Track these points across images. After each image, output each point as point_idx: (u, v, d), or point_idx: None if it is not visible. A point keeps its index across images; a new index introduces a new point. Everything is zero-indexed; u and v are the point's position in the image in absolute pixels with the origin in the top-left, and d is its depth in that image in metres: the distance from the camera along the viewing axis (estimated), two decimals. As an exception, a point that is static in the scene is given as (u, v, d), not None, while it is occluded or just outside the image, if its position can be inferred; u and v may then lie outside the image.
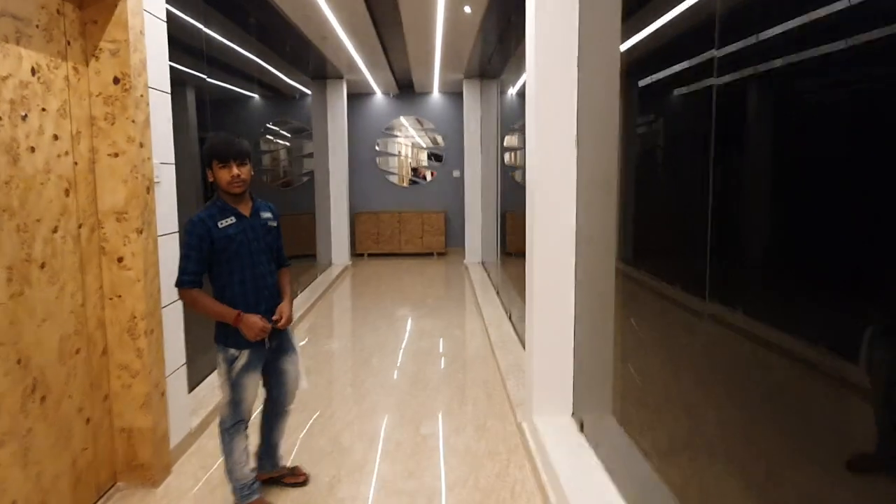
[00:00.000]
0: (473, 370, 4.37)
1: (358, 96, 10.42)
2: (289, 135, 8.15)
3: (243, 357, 2.34)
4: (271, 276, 2.44)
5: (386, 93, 10.45)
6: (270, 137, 7.71)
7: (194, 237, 2.22)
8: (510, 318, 5.57)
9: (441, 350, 4.92)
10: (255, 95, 6.96)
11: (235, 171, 2.25)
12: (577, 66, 2.81)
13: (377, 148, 10.56)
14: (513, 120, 9.59)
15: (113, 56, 2.49)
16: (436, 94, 10.53)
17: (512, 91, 8.81)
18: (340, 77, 8.70)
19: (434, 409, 3.64)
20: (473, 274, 8.08)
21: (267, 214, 2.47)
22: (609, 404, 2.78)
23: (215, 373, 2.82)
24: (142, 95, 2.59)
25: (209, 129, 4.85)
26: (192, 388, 3.54)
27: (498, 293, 6.70)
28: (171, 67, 2.91)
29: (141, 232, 2.57)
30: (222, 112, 5.75)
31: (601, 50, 2.68)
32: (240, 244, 2.30)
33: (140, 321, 2.61)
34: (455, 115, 10.48)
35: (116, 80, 2.50)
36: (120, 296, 2.59)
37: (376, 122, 10.54)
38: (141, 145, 2.58)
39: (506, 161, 9.21)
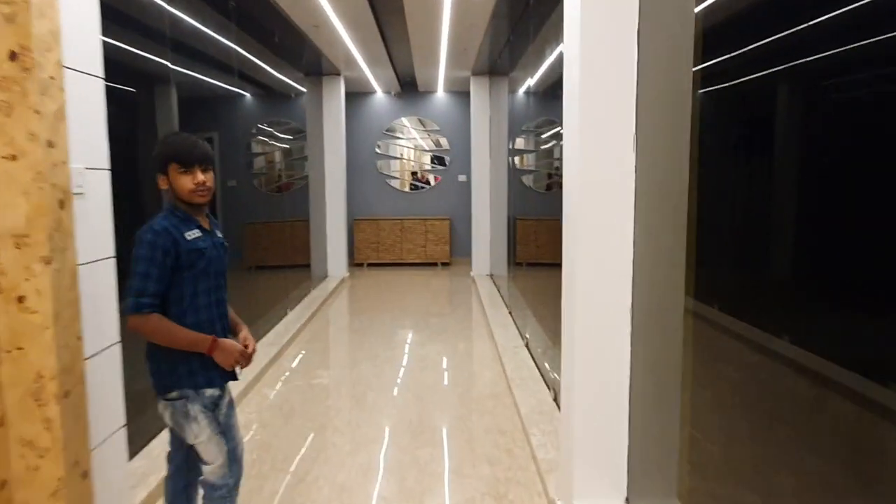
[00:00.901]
0: (487, 415, 3.69)
1: (357, 95, 9.76)
2: (284, 136, 7.55)
3: (226, 394, 2.02)
4: (226, 304, 2.10)
5: (387, 91, 9.80)
6: (263, 139, 7.13)
7: (158, 250, 1.83)
8: (527, 345, 4.89)
9: (447, 384, 4.25)
10: (245, 93, 6.28)
11: (200, 177, 1.92)
12: (638, 42, 2.14)
13: (377, 150, 9.91)
14: (523, 121, 8.97)
15: (8, 23, 1.82)
16: (440, 93, 9.87)
17: (522, 89, 8.17)
18: (338, 74, 8.05)
19: (440, 471, 2.96)
20: (481, 288, 7.41)
21: (219, 234, 2.11)
22: (674, 486, 2.11)
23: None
24: (52, 78, 1.92)
25: (192, 130, 4.34)
26: (135, 452, 2.87)
27: (510, 312, 6.03)
28: (142, 58, 2.25)
29: (50, 262, 1.90)
30: (206, 111, 5.11)
31: (671, 17, 2.01)
32: (209, 261, 1.97)
33: (49, 381, 1.93)
34: (461, 115, 9.82)
35: (13, 56, 1.83)
36: (21, 348, 1.92)
37: (376, 123, 9.88)
38: (50, 145, 1.91)
39: (515, 164, 8.60)
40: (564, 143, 2.44)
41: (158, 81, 4.13)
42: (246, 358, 2.00)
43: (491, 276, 8.23)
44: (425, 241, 9.62)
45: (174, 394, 1.92)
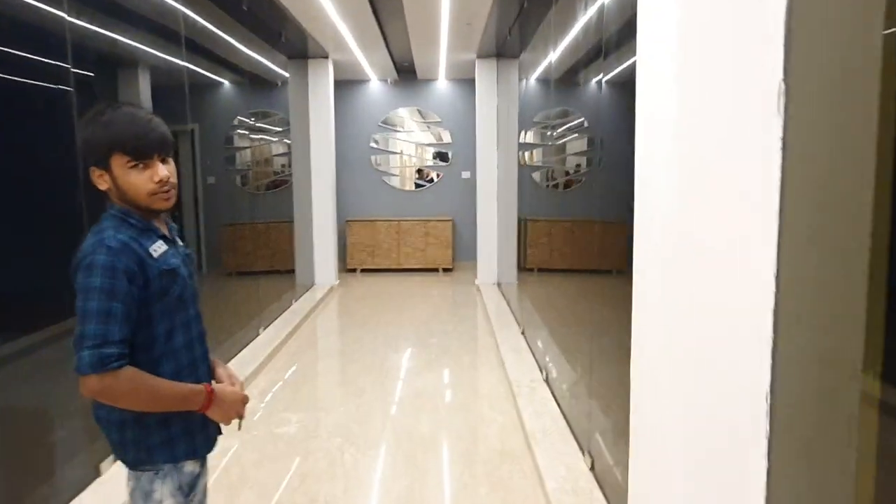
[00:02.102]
0: (500, 488, 2.77)
1: (350, 84, 8.84)
2: (271, 128, 6.82)
3: (205, 472, 1.50)
4: (205, 339, 1.54)
5: (383, 79, 8.88)
6: (245, 132, 6.50)
7: (120, 277, 1.25)
8: (547, 379, 3.97)
9: (448, 436, 3.33)
10: (224, 81, 5.73)
11: (163, 171, 1.34)
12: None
13: (373, 145, 8.99)
14: (532, 111, 8.10)
15: None
16: (442, 81, 8.94)
17: (535, 74, 7.27)
18: (325, 56, 7.12)
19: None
20: (488, 299, 6.48)
21: (181, 241, 1.52)
22: None
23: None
24: None
25: (167, 122, 3.69)
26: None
27: (523, 332, 5.10)
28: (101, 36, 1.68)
29: None
30: (183, 100, 4.61)
31: None
32: (184, 285, 1.42)
33: None
34: (465, 106, 8.89)
35: None
36: None
37: (372, 114, 8.96)
38: None
39: (525, 160, 7.73)
40: (639, 112, 1.53)
41: (122, 65, 3.59)
42: (244, 404, 1.50)
43: (498, 284, 7.30)
44: (425, 244, 8.70)
45: (144, 468, 1.38)
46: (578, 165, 7.86)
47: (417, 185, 9.12)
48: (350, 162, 8.97)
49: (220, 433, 1.51)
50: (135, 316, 1.28)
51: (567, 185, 6.43)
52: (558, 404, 3.51)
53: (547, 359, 4.18)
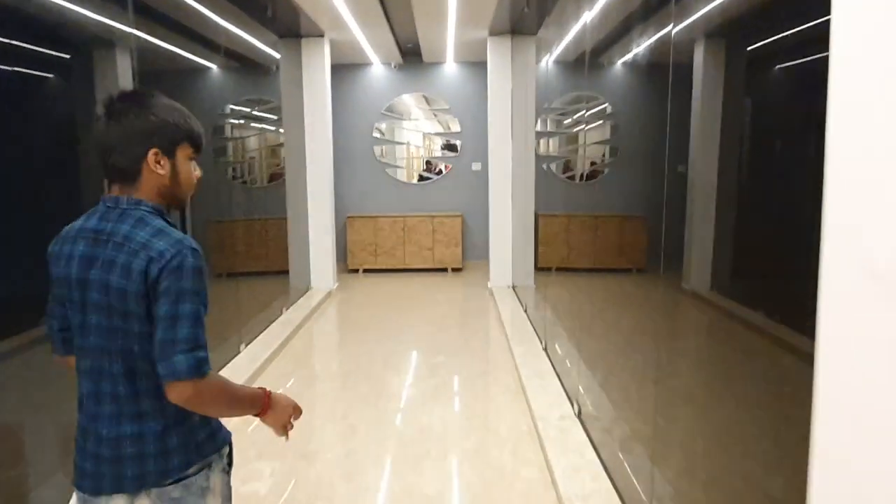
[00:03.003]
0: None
1: (349, 68, 8.12)
2: (266, 116, 6.28)
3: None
4: None
5: (386, 63, 8.15)
6: (237, 121, 5.98)
7: (205, 279, 1.24)
8: (580, 414, 3.26)
9: (458, 496, 2.64)
10: (213, 65, 5.27)
11: (199, 171, 1.38)
12: None
13: (376, 134, 8.28)
14: (552, 95, 7.36)
15: None
16: (450, 65, 8.20)
17: (555, 54, 6.54)
18: (321, 35, 6.41)
19: None
20: (502, 306, 5.78)
21: None
22: None
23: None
24: None
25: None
26: None
27: (545, 348, 4.39)
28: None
29: None
30: (167, 86, 4.16)
31: None
32: None
33: None
34: (475, 91, 8.15)
35: None
36: None
37: (374, 102, 8.24)
38: None
39: (540, 149, 7.03)
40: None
41: (99, 45, 3.25)
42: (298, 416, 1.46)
43: (513, 288, 6.59)
44: (432, 242, 8.00)
45: (193, 469, 1.30)
46: (604, 155, 7.18)
47: (424, 178, 8.41)
48: (351, 153, 8.27)
49: None
50: None
51: (589, 176, 6.05)
52: (598, 454, 2.81)
53: (579, 387, 3.48)
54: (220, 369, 4.00)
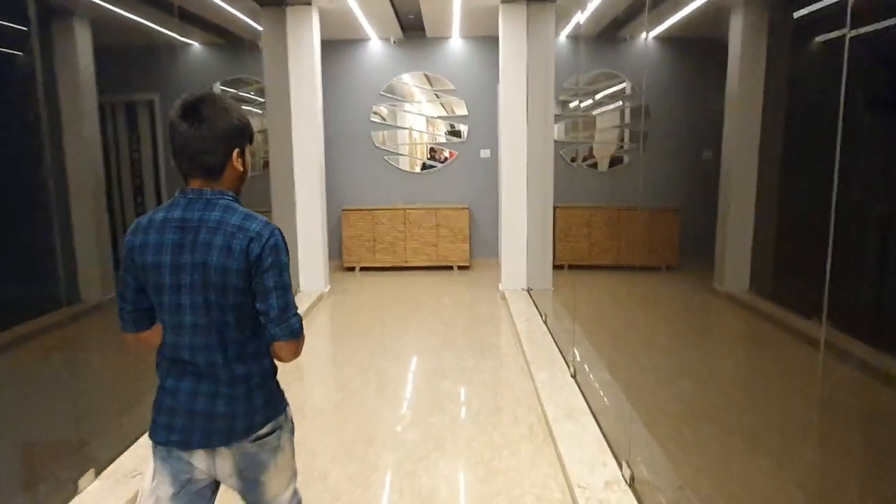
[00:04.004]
0: None
1: (344, 44, 7.31)
2: (259, 99, 5.77)
3: None
4: None
5: (384, 38, 7.34)
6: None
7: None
8: (632, 481, 2.50)
9: None
10: (193, 42, 4.92)
11: None
12: None
13: (373, 118, 7.48)
14: (573, 72, 6.62)
15: None
16: (456, 40, 7.38)
17: (576, 24, 5.78)
18: (307, 3, 5.59)
19: None
20: (517, 314, 5.02)
21: None
22: None
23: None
24: None
25: (118, 91, 3.69)
26: None
27: (575, 375, 3.62)
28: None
29: None
30: (138, 64, 3.93)
31: None
32: None
33: None
34: (485, 69, 7.34)
35: None
36: None
37: (371, 82, 7.44)
38: None
39: (556, 135, 6.32)
40: None
41: (58, 15, 3.13)
42: None
43: (528, 291, 5.82)
44: (436, 237, 7.23)
45: (269, 426, 1.50)
46: (633, 139, 6.48)
47: (427, 167, 7.61)
48: (345, 139, 7.48)
49: None
50: None
51: (614, 162, 5.61)
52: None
53: (625, 435, 2.72)
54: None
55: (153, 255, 1.37)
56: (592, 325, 4.57)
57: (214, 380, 1.42)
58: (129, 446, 2.84)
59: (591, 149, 7.52)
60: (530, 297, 5.61)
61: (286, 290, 1.41)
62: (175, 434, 1.42)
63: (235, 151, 1.42)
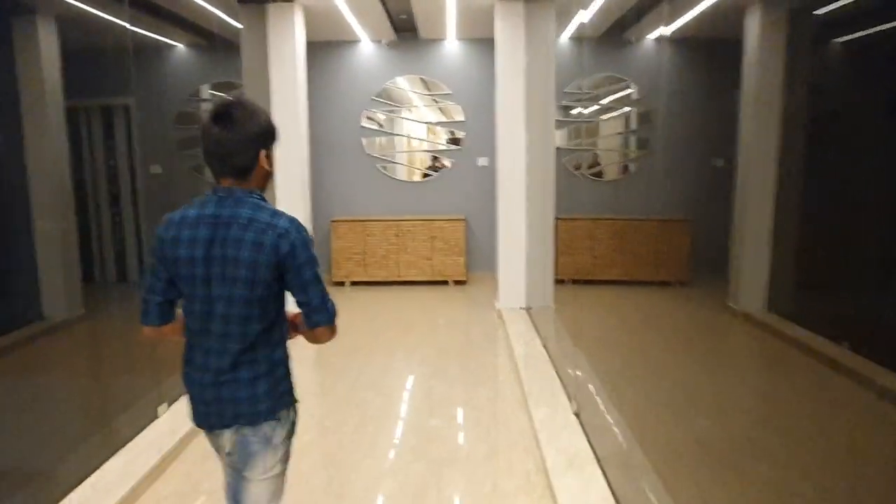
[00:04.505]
0: None
1: (332, 46, 6.94)
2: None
3: None
4: None
5: (376, 40, 6.96)
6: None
7: None
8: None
9: None
10: (176, 43, 5.00)
11: None
12: None
13: (365, 124, 7.09)
14: (573, 76, 6.29)
15: None
16: (451, 42, 7.01)
17: (578, 25, 5.46)
18: (290, 0, 5.22)
19: None
20: (515, 337, 4.60)
21: None
22: None
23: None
24: None
25: (88, 95, 3.72)
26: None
27: (578, 414, 3.20)
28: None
29: None
30: (110, 66, 3.73)
31: None
32: None
33: None
34: (481, 72, 6.96)
35: None
36: None
37: (362, 86, 7.06)
38: None
39: (557, 141, 5.96)
40: None
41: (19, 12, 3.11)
42: None
43: (528, 310, 5.40)
44: (431, 250, 6.82)
45: (287, 410, 1.61)
46: (640, 146, 6.07)
47: (427, 176, 7.21)
48: (334, 147, 7.09)
49: None
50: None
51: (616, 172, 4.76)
52: None
53: (638, 494, 2.31)
54: (129, 440, 2.86)
55: (186, 250, 1.46)
56: (597, 350, 4.16)
57: (230, 367, 1.49)
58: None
59: (595, 156, 7.14)
60: (529, 317, 5.19)
61: (320, 280, 1.51)
62: (197, 417, 1.57)
63: (263, 152, 1.50)
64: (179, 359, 1.58)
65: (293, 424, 1.64)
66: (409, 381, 3.96)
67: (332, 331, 1.55)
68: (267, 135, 1.52)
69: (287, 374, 1.60)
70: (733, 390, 3.59)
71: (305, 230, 1.49)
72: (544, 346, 4.34)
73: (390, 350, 4.64)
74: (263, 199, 1.53)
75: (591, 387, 3.59)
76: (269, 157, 1.53)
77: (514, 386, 3.79)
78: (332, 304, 1.54)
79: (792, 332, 4.15)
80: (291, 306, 1.59)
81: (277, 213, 1.48)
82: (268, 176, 1.56)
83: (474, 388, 3.80)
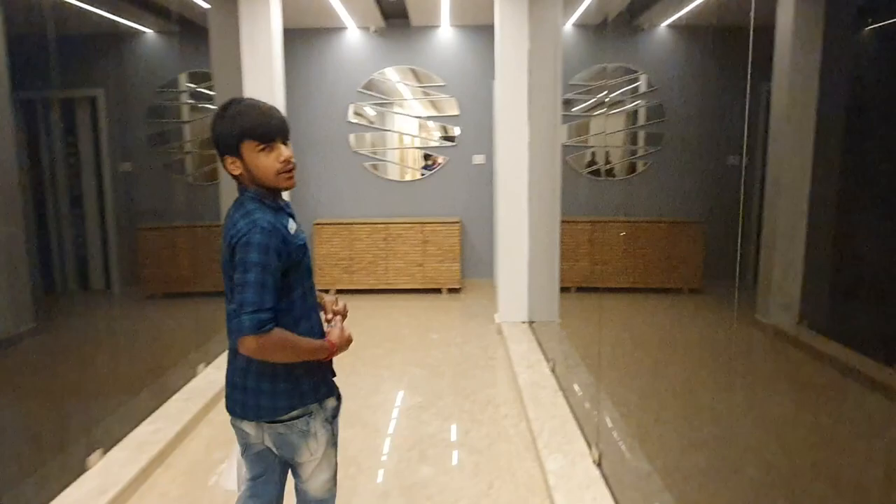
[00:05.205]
0: None
1: (315, 33, 6.38)
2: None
3: (340, 403, 1.80)
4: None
5: (364, 27, 6.41)
6: (179, 101, 5.02)
7: (272, 254, 1.51)
8: None
9: None
10: (146, 29, 4.36)
11: (286, 152, 1.59)
12: None
13: (352, 119, 6.54)
14: (578, 67, 5.85)
15: None
16: (446, 30, 6.46)
17: (585, 10, 4.99)
18: (264, -21, 4.66)
19: None
20: (517, 358, 4.08)
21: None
22: None
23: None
24: None
25: (48, 87, 3.21)
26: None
27: (599, 462, 2.67)
28: None
29: None
30: (73, 55, 3.31)
31: None
32: (309, 255, 1.71)
33: None
34: (479, 63, 6.42)
35: None
36: None
37: (348, 77, 6.50)
38: None
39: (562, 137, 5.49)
40: None
41: None
42: (344, 314, 1.84)
43: (531, 325, 4.88)
44: (423, 255, 6.29)
45: (296, 412, 1.63)
46: (650, 142, 5.70)
47: (415, 174, 6.68)
48: (317, 143, 6.54)
49: (334, 375, 1.77)
50: (279, 286, 1.53)
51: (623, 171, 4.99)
52: None
53: None
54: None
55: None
56: (615, 375, 3.64)
57: (241, 357, 1.59)
58: None
59: (605, 154, 6.64)
60: (533, 333, 4.67)
61: (244, 286, 1.46)
62: (227, 401, 1.68)
63: (227, 158, 1.56)
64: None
65: (332, 412, 1.72)
66: (397, 416, 3.42)
67: (244, 345, 1.47)
68: (219, 143, 1.56)
69: (310, 374, 1.64)
70: (784, 428, 3.07)
71: (261, 234, 1.48)
72: (552, 371, 3.81)
73: (375, 372, 4.10)
74: (255, 198, 1.57)
75: (609, 421, 3.07)
76: (234, 163, 1.56)
77: (519, 422, 3.26)
78: (249, 318, 1.45)
79: (833, 351, 3.65)
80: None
81: (247, 214, 1.52)
82: (249, 179, 1.57)
83: (472, 425, 3.27)
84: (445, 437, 3.14)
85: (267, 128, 1.53)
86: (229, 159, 1.55)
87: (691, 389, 3.69)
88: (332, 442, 1.73)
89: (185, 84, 5.57)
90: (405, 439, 3.12)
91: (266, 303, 1.46)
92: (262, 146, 1.53)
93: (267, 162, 1.54)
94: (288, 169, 1.57)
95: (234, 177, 1.58)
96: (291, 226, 1.60)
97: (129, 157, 4.79)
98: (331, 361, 1.72)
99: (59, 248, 4.55)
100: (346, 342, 1.69)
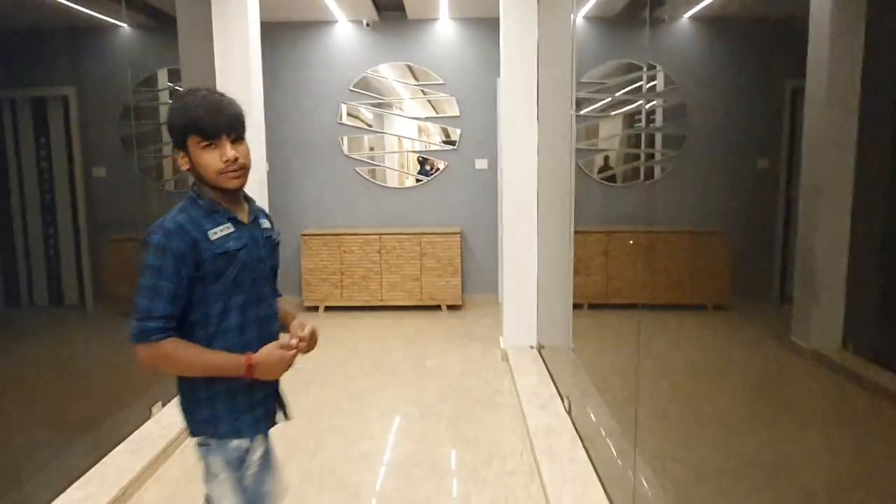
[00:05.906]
0: None
1: (302, 27, 5.86)
2: None
3: (258, 446, 1.55)
4: (276, 318, 1.62)
5: (356, 20, 5.88)
6: (157, 101, 4.51)
7: (169, 257, 1.40)
8: None
9: None
10: (120, 23, 3.91)
11: (230, 151, 1.46)
12: None
13: (344, 121, 6.01)
14: (592, 65, 5.42)
15: None
16: (445, 23, 5.93)
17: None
18: (239, -38, 4.13)
19: None
20: (526, 395, 3.53)
21: (266, 223, 1.63)
22: None
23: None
24: None
25: (16, 84, 3.10)
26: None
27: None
28: None
29: None
30: (40, 49, 3.16)
31: None
32: (242, 267, 1.50)
33: None
34: (481, 59, 5.89)
35: None
36: None
37: (339, 75, 5.98)
38: None
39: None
40: None
41: None
42: (308, 343, 1.56)
43: (540, 350, 4.34)
44: (420, 268, 5.75)
45: (197, 438, 1.52)
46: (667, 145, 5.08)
47: (419, 182, 6.15)
48: (305, 147, 6.01)
49: (273, 417, 1.58)
50: (184, 295, 1.41)
51: (639, 176, 4.39)
52: None
53: None
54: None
55: None
56: (642, 417, 3.08)
57: None
58: None
59: (618, 157, 6.11)
60: (543, 361, 4.12)
61: (139, 290, 1.39)
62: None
63: (178, 151, 1.49)
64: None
65: (238, 460, 1.50)
66: (381, 474, 2.87)
67: (137, 352, 1.38)
68: (172, 135, 1.47)
69: (210, 402, 1.48)
70: (854, 479, 2.49)
71: (161, 234, 1.39)
72: (567, 412, 3.26)
73: (362, 410, 3.56)
74: (189, 197, 1.48)
75: (644, 482, 2.52)
76: (183, 158, 1.48)
77: (531, 482, 2.71)
78: (137, 326, 1.37)
79: (887, 382, 3.12)
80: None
81: (171, 212, 1.45)
82: (196, 175, 1.48)
83: (473, 486, 2.71)
84: (442, 501, 2.59)
85: (212, 123, 1.43)
86: (180, 154, 1.48)
87: (739, 435, 3.15)
88: (242, 497, 1.50)
89: (165, 82, 5.09)
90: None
91: (156, 310, 1.38)
92: (205, 143, 1.44)
93: (209, 160, 1.44)
94: (232, 170, 1.45)
95: (187, 172, 1.50)
96: (219, 230, 1.45)
97: (105, 160, 4.39)
98: (272, 387, 1.56)
99: (27, 260, 4.16)
100: (277, 363, 1.48)
